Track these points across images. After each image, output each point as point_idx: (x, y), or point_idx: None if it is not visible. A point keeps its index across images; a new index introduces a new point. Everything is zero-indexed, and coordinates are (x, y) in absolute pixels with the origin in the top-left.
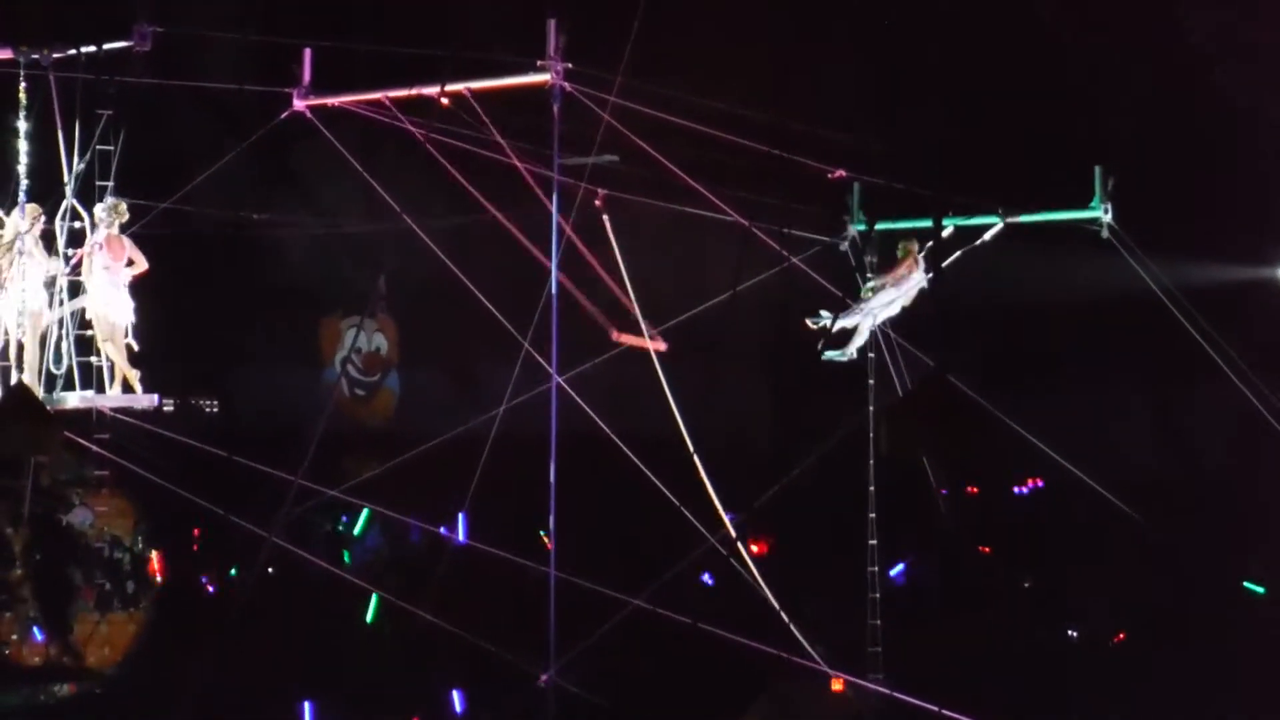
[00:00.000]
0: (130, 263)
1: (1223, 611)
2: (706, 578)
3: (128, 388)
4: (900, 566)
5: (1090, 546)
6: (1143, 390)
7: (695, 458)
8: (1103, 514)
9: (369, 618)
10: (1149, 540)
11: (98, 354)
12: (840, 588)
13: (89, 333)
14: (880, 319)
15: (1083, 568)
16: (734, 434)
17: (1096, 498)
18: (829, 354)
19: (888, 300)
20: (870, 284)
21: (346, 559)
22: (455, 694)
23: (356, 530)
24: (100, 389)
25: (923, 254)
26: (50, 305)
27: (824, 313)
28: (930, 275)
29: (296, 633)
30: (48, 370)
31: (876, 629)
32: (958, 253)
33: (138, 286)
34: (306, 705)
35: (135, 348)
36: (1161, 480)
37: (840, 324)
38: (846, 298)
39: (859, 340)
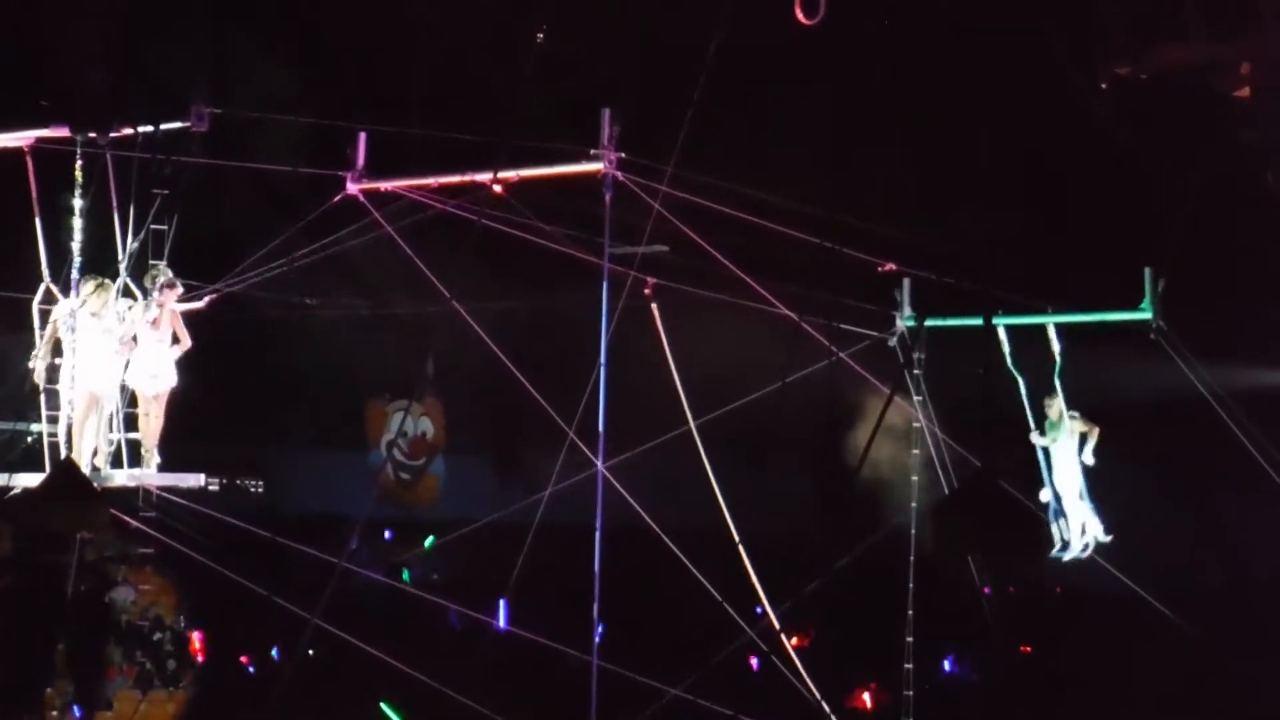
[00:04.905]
0: (175, 339)
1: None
2: (754, 663)
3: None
4: (949, 660)
5: (1132, 650)
6: (1190, 495)
7: (740, 547)
8: (1146, 618)
9: None
10: (1194, 647)
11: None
12: (880, 683)
13: (136, 410)
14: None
15: (1123, 670)
16: (777, 526)
17: (1140, 601)
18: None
19: (1070, 461)
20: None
21: (406, 578)
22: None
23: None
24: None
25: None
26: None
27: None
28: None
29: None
30: (96, 447)
31: None
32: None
33: (185, 365)
34: None
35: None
36: (1208, 587)
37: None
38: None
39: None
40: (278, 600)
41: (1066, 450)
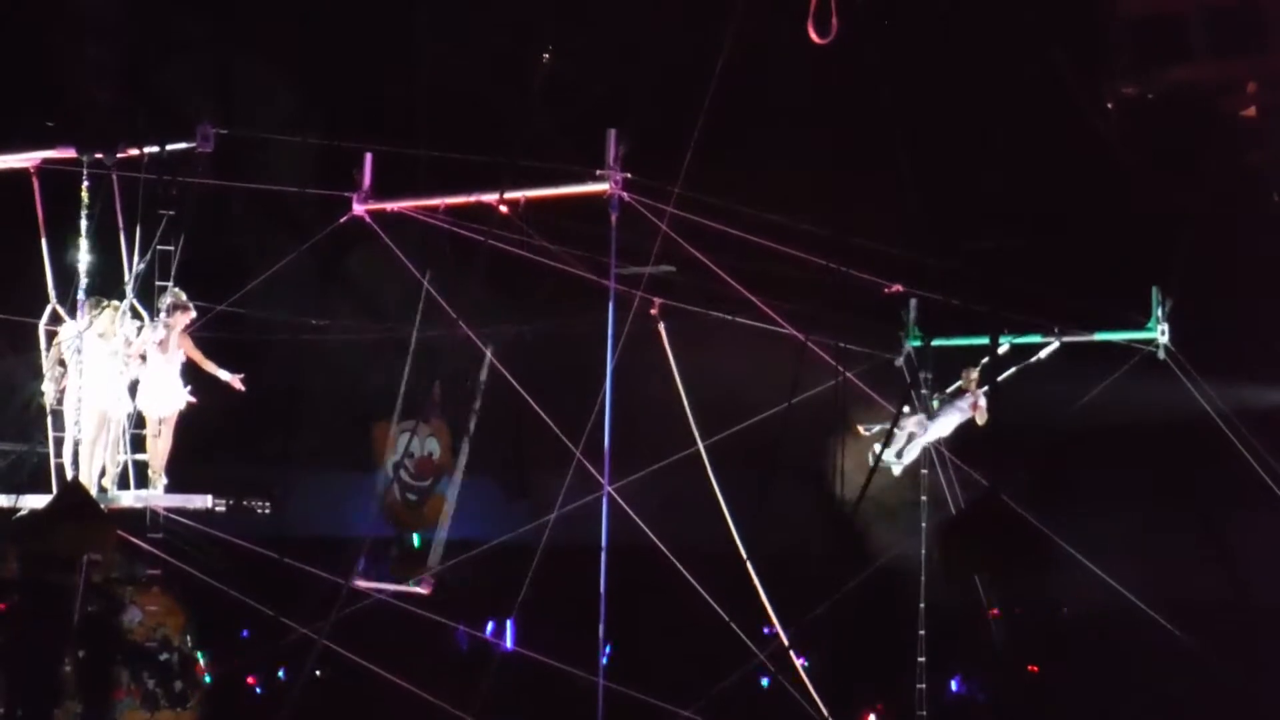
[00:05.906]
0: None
1: None
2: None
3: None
4: (956, 680)
5: (1138, 670)
6: (1197, 514)
7: (749, 564)
8: (1153, 638)
9: None
10: (1200, 666)
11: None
12: (889, 703)
13: (143, 431)
14: (931, 438)
15: (1128, 690)
16: (786, 547)
17: (1147, 621)
18: (887, 455)
19: (948, 421)
20: (936, 402)
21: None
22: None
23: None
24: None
25: (982, 389)
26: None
27: (877, 427)
28: (985, 391)
29: None
30: (103, 468)
31: None
32: (1012, 369)
33: (195, 385)
34: None
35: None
36: (1214, 606)
37: (901, 429)
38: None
39: (912, 454)
40: (284, 621)
41: (951, 418)
